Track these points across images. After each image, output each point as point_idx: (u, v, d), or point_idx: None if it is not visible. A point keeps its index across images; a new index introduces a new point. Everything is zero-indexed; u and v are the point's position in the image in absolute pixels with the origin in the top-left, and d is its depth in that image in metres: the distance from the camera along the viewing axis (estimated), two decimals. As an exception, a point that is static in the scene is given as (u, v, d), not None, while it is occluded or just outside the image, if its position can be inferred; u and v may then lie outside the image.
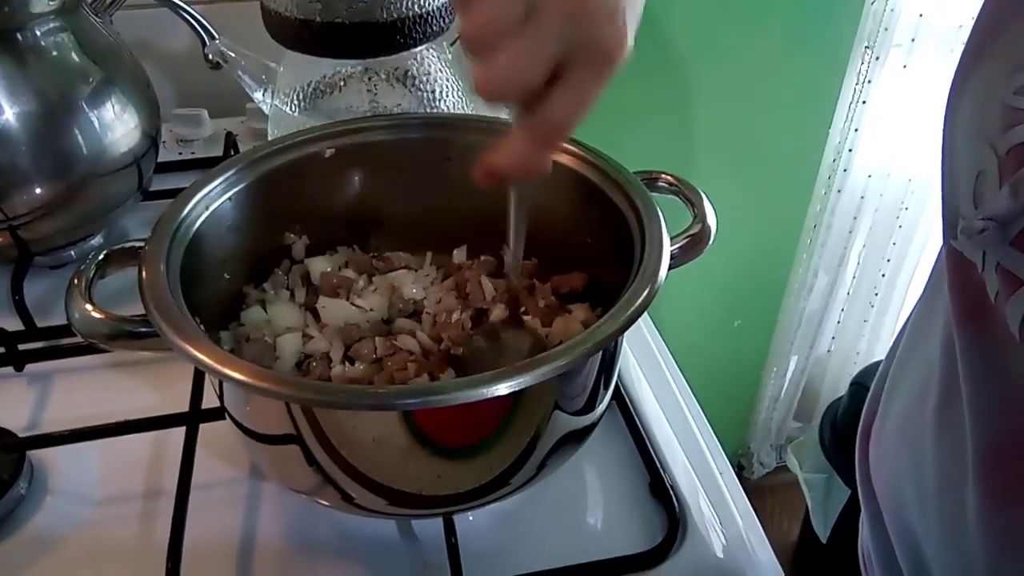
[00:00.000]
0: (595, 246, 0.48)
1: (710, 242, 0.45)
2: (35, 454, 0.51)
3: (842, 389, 1.51)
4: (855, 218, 1.30)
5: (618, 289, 0.45)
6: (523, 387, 0.35)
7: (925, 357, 0.42)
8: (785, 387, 1.55)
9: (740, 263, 1.32)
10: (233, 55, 0.64)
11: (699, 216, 0.45)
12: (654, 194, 0.46)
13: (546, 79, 0.32)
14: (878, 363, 1.22)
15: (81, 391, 0.57)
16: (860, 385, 1.23)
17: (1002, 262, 0.30)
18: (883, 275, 1.38)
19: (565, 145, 0.48)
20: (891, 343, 0.50)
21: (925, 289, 0.45)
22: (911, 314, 0.47)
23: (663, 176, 0.48)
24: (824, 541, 1.28)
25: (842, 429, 1.26)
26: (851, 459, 1.30)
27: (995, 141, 0.30)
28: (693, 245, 0.44)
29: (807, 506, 1.36)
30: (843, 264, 1.37)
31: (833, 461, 1.26)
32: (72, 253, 0.67)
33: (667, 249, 0.41)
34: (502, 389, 0.35)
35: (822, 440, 1.29)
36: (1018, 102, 0.30)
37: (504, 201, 0.52)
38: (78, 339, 0.57)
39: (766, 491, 1.65)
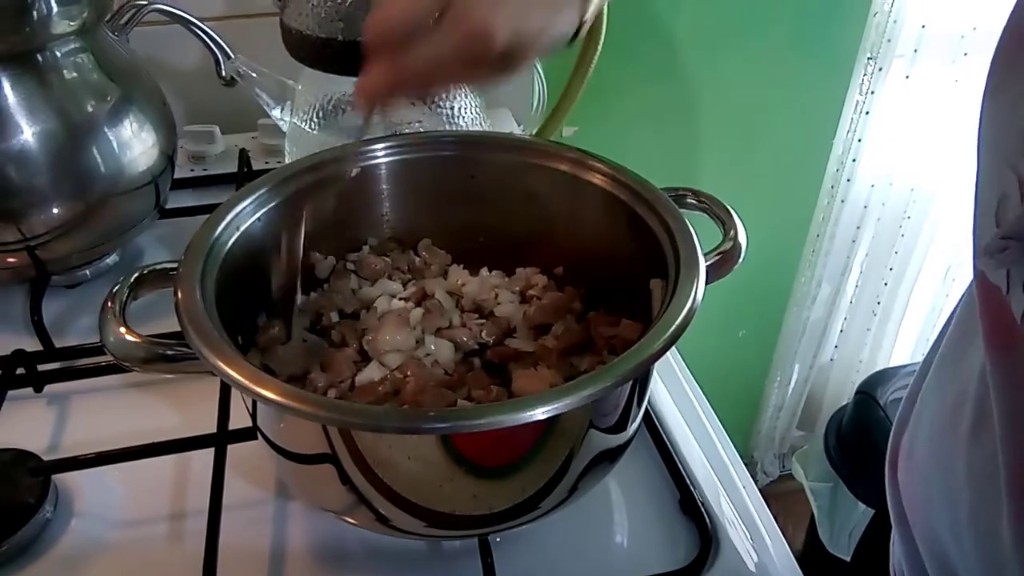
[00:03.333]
0: (625, 262, 0.48)
1: (741, 259, 0.45)
2: (59, 477, 0.51)
3: (845, 398, 1.51)
4: (858, 227, 1.31)
5: (649, 303, 0.45)
6: (563, 411, 0.35)
7: (958, 380, 0.42)
8: (788, 396, 1.56)
9: (745, 273, 1.31)
10: (253, 74, 0.64)
11: (730, 233, 0.45)
12: (682, 211, 0.46)
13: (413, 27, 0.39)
14: (883, 371, 1.22)
15: (101, 412, 0.57)
16: (865, 394, 1.24)
17: None
18: (885, 284, 1.38)
19: (594, 163, 0.49)
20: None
21: (958, 313, 0.45)
22: (945, 337, 0.47)
23: (691, 192, 0.48)
24: (830, 550, 1.28)
25: (847, 438, 1.26)
26: (857, 468, 1.30)
27: (1016, 164, 0.31)
28: (724, 262, 0.45)
29: (812, 515, 1.36)
30: (846, 273, 1.37)
31: (839, 470, 1.27)
32: (88, 272, 0.67)
33: (703, 267, 0.41)
34: (539, 414, 0.35)
35: (827, 449, 1.29)
36: None
37: (530, 219, 0.53)
38: (96, 359, 0.59)
39: (770, 500, 1.64)
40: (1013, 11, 0.34)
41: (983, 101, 0.35)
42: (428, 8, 0.39)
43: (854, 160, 1.23)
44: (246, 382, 0.36)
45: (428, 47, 0.39)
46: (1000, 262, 0.31)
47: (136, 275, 0.42)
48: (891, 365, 1.23)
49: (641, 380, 0.43)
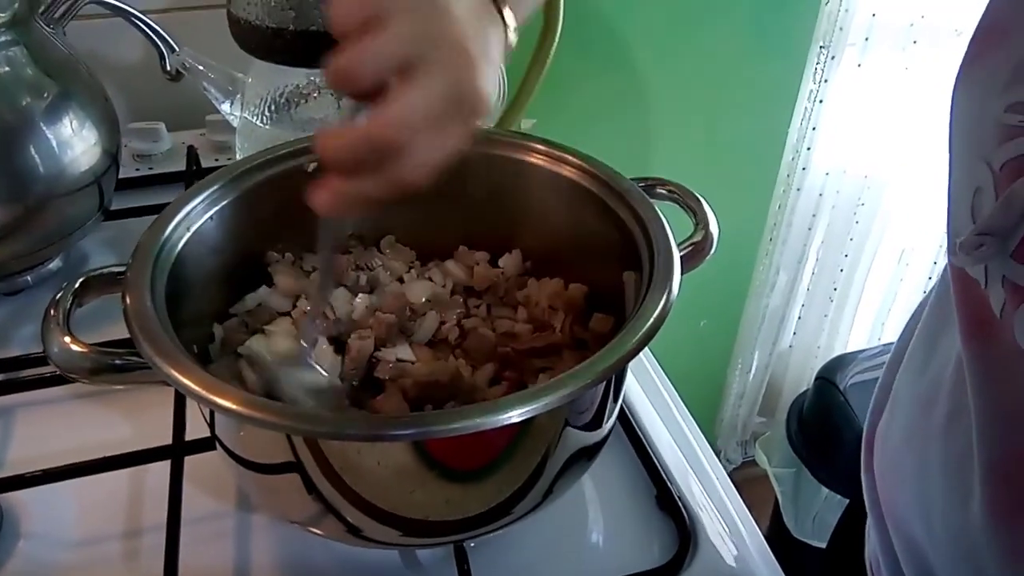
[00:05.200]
0: (596, 255, 0.47)
1: (713, 250, 0.44)
2: (3, 496, 0.48)
3: (804, 383, 1.53)
4: (814, 215, 1.32)
5: (620, 296, 0.44)
6: (539, 413, 0.34)
7: (931, 369, 0.42)
8: (749, 383, 1.57)
9: (705, 264, 1.33)
10: (200, 68, 0.61)
11: (701, 223, 0.44)
12: (653, 201, 0.45)
13: (387, 78, 0.31)
14: (841, 357, 1.24)
15: (47, 425, 0.54)
16: (825, 380, 1.25)
17: (1007, 275, 0.30)
18: (841, 270, 1.40)
19: (563, 155, 0.47)
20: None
21: (932, 301, 0.44)
22: (917, 326, 0.47)
23: (660, 182, 0.47)
24: (795, 534, 1.30)
25: (809, 423, 1.27)
26: (820, 453, 1.31)
27: (990, 157, 0.30)
28: (696, 253, 0.44)
29: (775, 500, 1.38)
30: (803, 261, 1.39)
31: (801, 455, 1.28)
32: (29, 279, 0.64)
33: (677, 259, 0.40)
34: (514, 417, 0.33)
35: (789, 434, 1.30)
36: (1010, 119, 0.30)
37: (497, 213, 0.51)
38: (40, 370, 0.55)
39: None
40: (988, 5, 0.34)
41: (953, 93, 0.35)
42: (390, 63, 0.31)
43: (809, 148, 1.24)
44: (203, 392, 0.34)
45: (405, 93, 0.31)
46: (977, 258, 0.31)
47: (81, 280, 0.39)
48: (848, 350, 1.25)
49: (617, 376, 0.42)
